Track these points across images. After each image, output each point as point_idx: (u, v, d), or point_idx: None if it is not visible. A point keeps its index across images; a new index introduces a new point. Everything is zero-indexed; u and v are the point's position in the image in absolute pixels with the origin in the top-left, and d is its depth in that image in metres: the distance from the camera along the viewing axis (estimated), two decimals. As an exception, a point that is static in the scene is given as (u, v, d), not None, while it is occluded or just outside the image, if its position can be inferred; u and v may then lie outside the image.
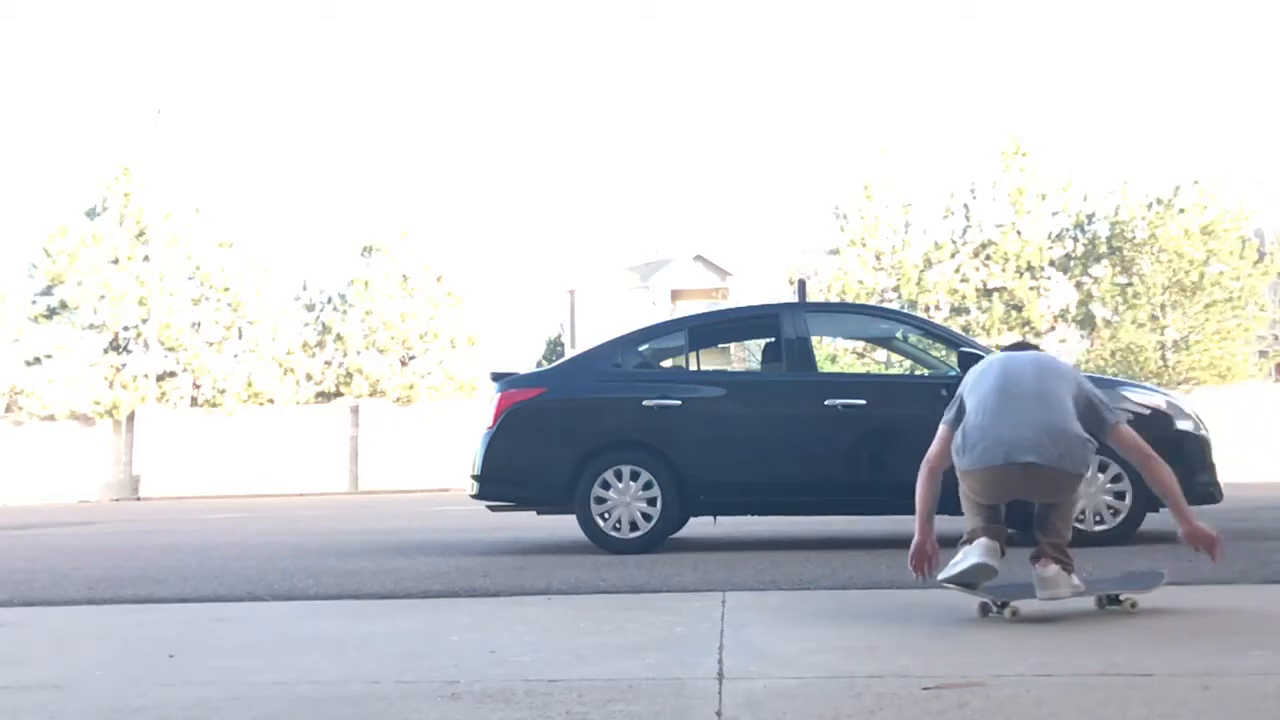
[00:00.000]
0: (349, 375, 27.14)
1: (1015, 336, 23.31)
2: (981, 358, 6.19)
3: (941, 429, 3.66)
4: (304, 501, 18.85)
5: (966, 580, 3.31)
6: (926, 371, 7.45)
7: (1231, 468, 8.30)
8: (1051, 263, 23.40)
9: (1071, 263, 23.33)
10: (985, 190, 23.70)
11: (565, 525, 7.39)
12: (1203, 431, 6.19)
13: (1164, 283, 22.44)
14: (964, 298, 23.57)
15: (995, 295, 23.38)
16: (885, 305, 21.76)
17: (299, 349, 27.22)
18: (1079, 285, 23.48)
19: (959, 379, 6.20)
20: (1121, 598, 3.42)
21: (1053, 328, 23.82)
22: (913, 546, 3.52)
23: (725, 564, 5.33)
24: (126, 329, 25.90)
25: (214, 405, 25.15)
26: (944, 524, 7.91)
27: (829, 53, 72.58)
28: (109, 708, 2.36)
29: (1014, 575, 3.71)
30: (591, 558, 5.88)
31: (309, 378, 26.95)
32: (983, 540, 3.35)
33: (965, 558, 3.34)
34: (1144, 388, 6.52)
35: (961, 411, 3.64)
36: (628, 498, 6.25)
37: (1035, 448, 3.37)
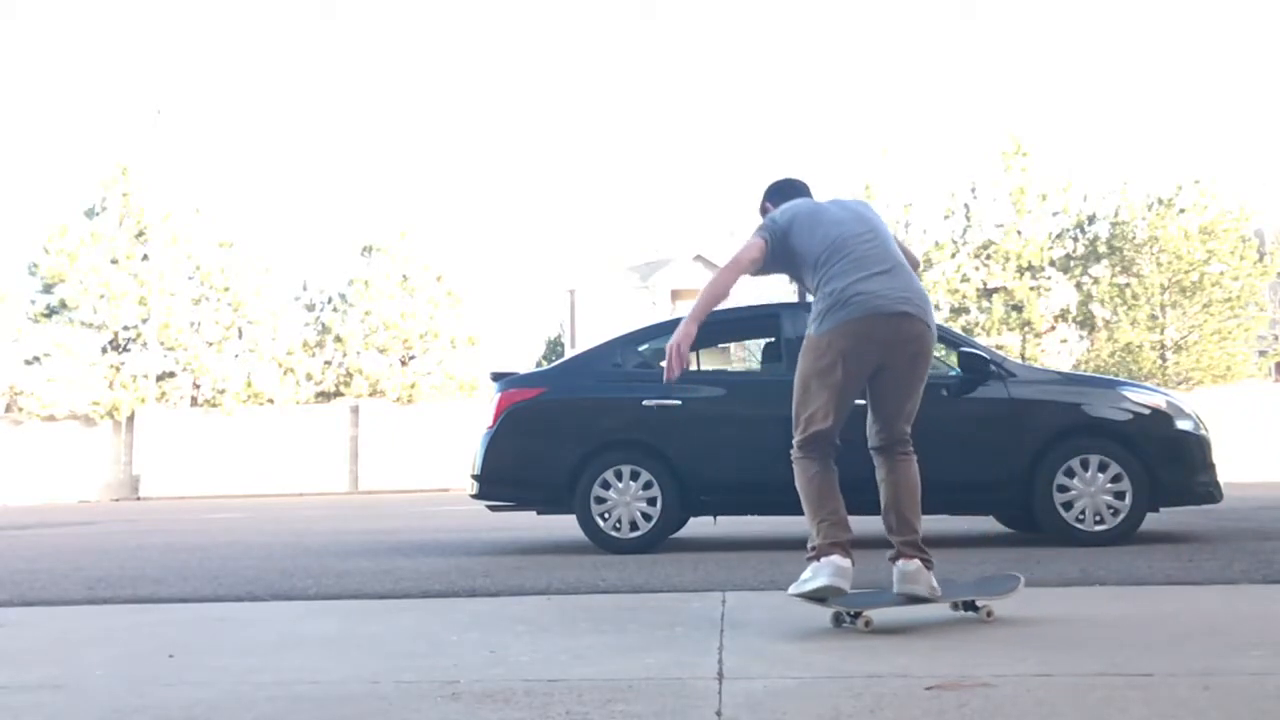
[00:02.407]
0: (349, 375, 27.15)
1: (1015, 337, 23.35)
2: (982, 358, 6.23)
3: (754, 240, 3.48)
4: (304, 501, 18.85)
5: (815, 598, 3.16)
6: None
7: (1231, 468, 8.31)
8: (1051, 263, 23.41)
9: (1071, 263, 23.33)
10: (985, 190, 23.71)
11: (565, 525, 7.39)
12: (1203, 431, 6.19)
13: (1164, 283, 22.45)
14: (964, 298, 23.57)
15: (995, 295, 23.38)
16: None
17: (299, 349, 27.22)
18: (1079, 285, 23.48)
19: (959, 379, 6.24)
20: (978, 604, 3.30)
21: (1053, 328, 23.82)
22: (674, 340, 3.39)
23: (725, 564, 5.33)
24: (126, 329, 25.89)
25: (214, 405, 25.14)
26: (944, 523, 7.93)
27: (829, 53, 72.61)
28: (109, 708, 2.36)
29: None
30: (591, 558, 5.88)
31: (309, 378, 26.95)
32: (834, 559, 3.15)
33: (815, 576, 3.12)
34: (1144, 388, 6.52)
35: (788, 245, 3.45)
36: (628, 498, 6.25)
37: (907, 299, 3.30)
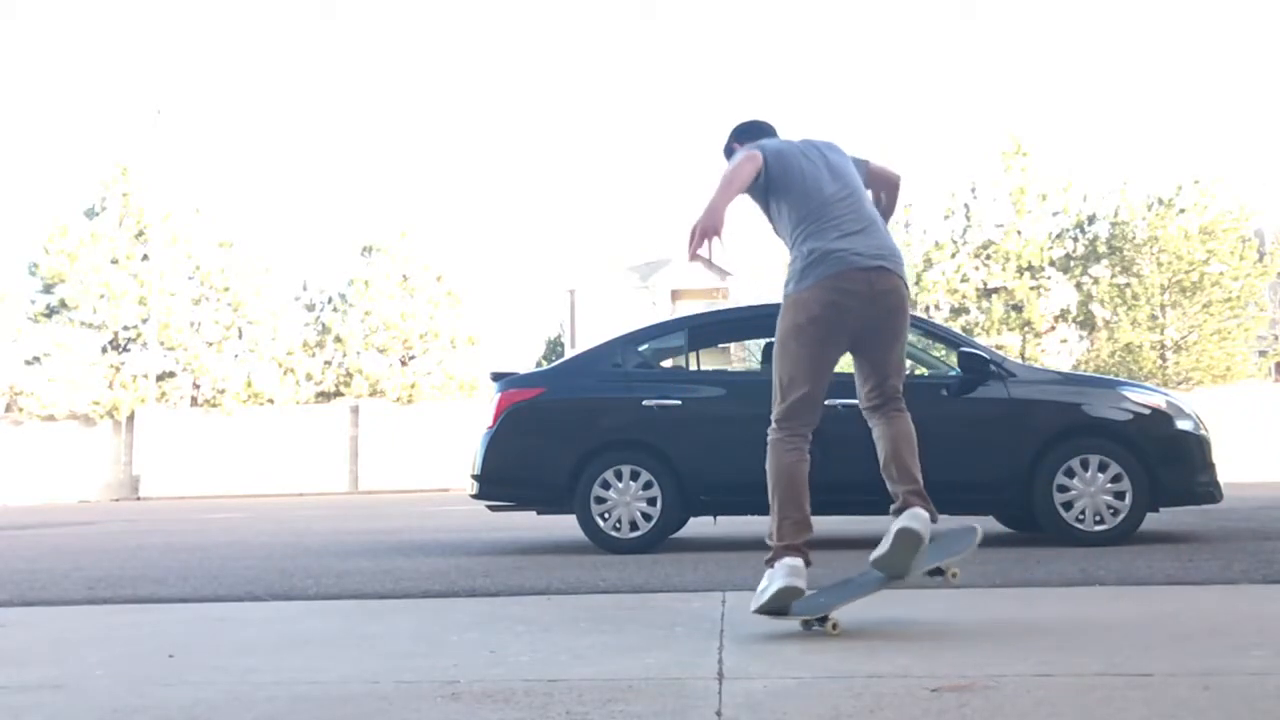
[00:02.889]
0: (349, 375, 27.15)
1: (1015, 337, 23.35)
2: (982, 358, 6.23)
3: (750, 152, 3.34)
4: (304, 501, 18.85)
5: (776, 608, 3.10)
6: (926, 371, 7.45)
7: (1231, 468, 8.32)
8: (1051, 263, 23.42)
9: (1071, 263, 23.34)
10: (986, 190, 23.74)
11: (565, 525, 7.39)
12: (1203, 431, 6.20)
13: (1164, 283, 22.46)
14: (964, 298, 23.58)
15: (995, 295, 23.39)
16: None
17: (299, 349, 27.23)
18: (1079, 285, 23.49)
19: (959, 379, 6.24)
20: (944, 568, 3.21)
21: (1053, 328, 23.83)
22: (704, 221, 3.15)
23: (725, 564, 5.33)
24: (126, 329, 25.91)
25: (214, 405, 25.15)
26: (944, 523, 7.93)
27: (829, 53, 72.59)
28: (109, 708, 2.36)
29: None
30: (591, 558, 5.88)
31: (309, 378, 26.96)
32: (786, 561, 3.11)
33: (771, 583, 3.09)
34: (1144, 388, 6.53)
35: (770, 178, 3.34)
36: (628, 498, 6.25)
37: (882, 255, 3.26)
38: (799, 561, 3.13)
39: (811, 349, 3.25)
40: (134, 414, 24.30)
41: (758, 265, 33.29)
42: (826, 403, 6.72)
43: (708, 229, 3.16)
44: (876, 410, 3.46)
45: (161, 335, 25.56)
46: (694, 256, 3.21)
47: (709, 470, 6.30)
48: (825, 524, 7.95)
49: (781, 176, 3.38)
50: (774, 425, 3.31)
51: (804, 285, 3.26)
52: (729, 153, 3.71)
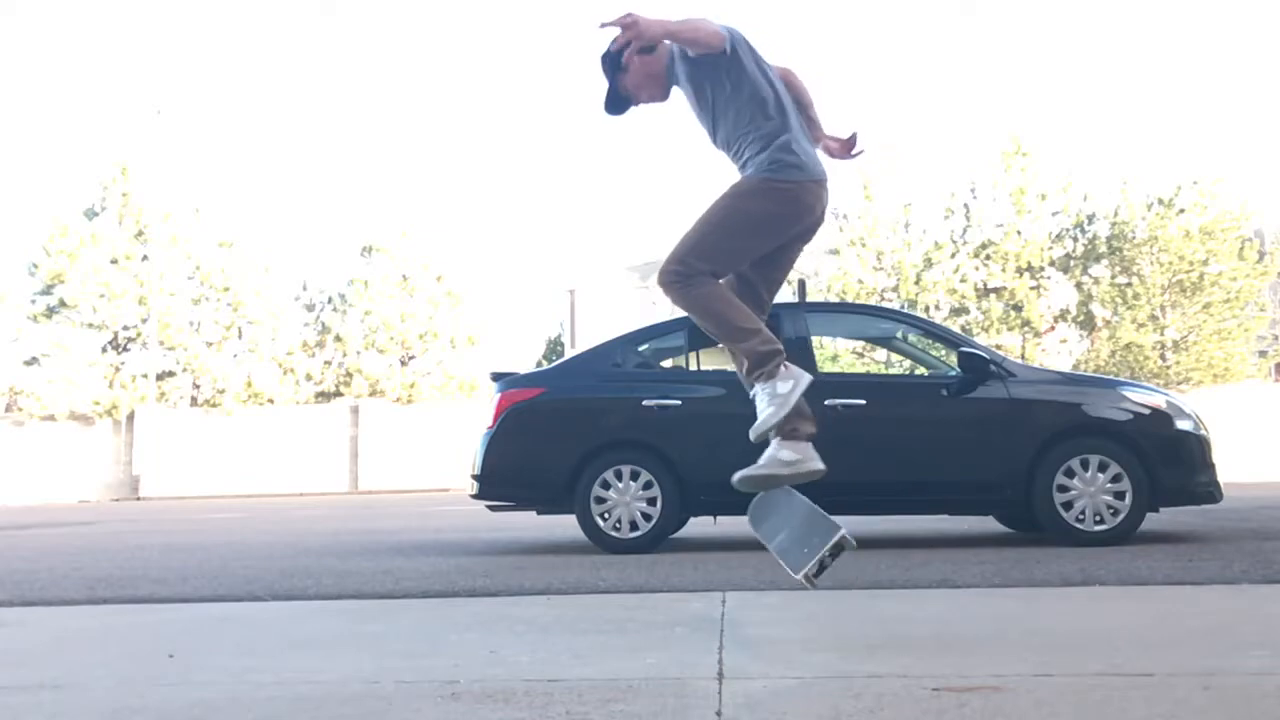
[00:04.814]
0: (349, 375, 27.16)
1: (1015, 337, 23.36)
2: (981, 358, 6.23)
3: (718, 30, 3.07)
4: (304, 501, 18.85)
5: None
6: (926, 371, 7.45)
7: (1231, 468, 8.32)
8: (1051, 263, 23.42)
9: (1071, 263, 23.34)
10: (985, 190, 23.73)
11: (565, 525, 7.39)
12: (1203, 431, 6.20)
13: (1163, 283, 22.46)
14: (963, 298, 23.57)
15: (995, 295, 23.39)
16: (885, 305, 21.77)
17: (299, 349, 27.25)
18: (1079, 285, 23.49)
19: (959, 379, 6.24)
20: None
21: (1052, 328, 23.84)
22: (637, 16, 2.91)
23: (725, 564, 5.33)
24: (126, 328, 25.92)
25: (214, 405, 25.16)
26: (945, 523, 7.90)
27: (829, 52, 72.57)
28: (109, 708, 2.36)
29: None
30: (591, 558, 5.88)
31: (309, 378, 26.97)
32: (787, 371, 3.04)
33: (778, 389, 3.00)
34: (1144, 388, 6.53)
35: (735, 56, 3.08)
36: (628, 498, 6.24)
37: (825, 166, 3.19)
38: (803, 375, 3.06)
39: (751, 247, 3.17)
40: (134, 414, 24.31)
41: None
42: (825, 403, 6.73)
43: (636, 26, 2.92)
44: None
45: (161, 335, 25.57)
46: (604, 26, 2.98)
47: (709, 470, 6.27)
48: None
49: (749, 60, 3.16)
50: (673, 273, 3.11)
51: (786, 177, 3.10)
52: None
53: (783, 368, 3.08)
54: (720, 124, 3.23)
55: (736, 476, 3.13)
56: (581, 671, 2.61)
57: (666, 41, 3.15)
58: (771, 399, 3.07)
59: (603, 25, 2.98)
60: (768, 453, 3.13)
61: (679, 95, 3.34)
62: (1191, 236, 22.12)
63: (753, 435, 3.11)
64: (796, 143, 3.15)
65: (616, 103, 3.30)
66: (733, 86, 3.15)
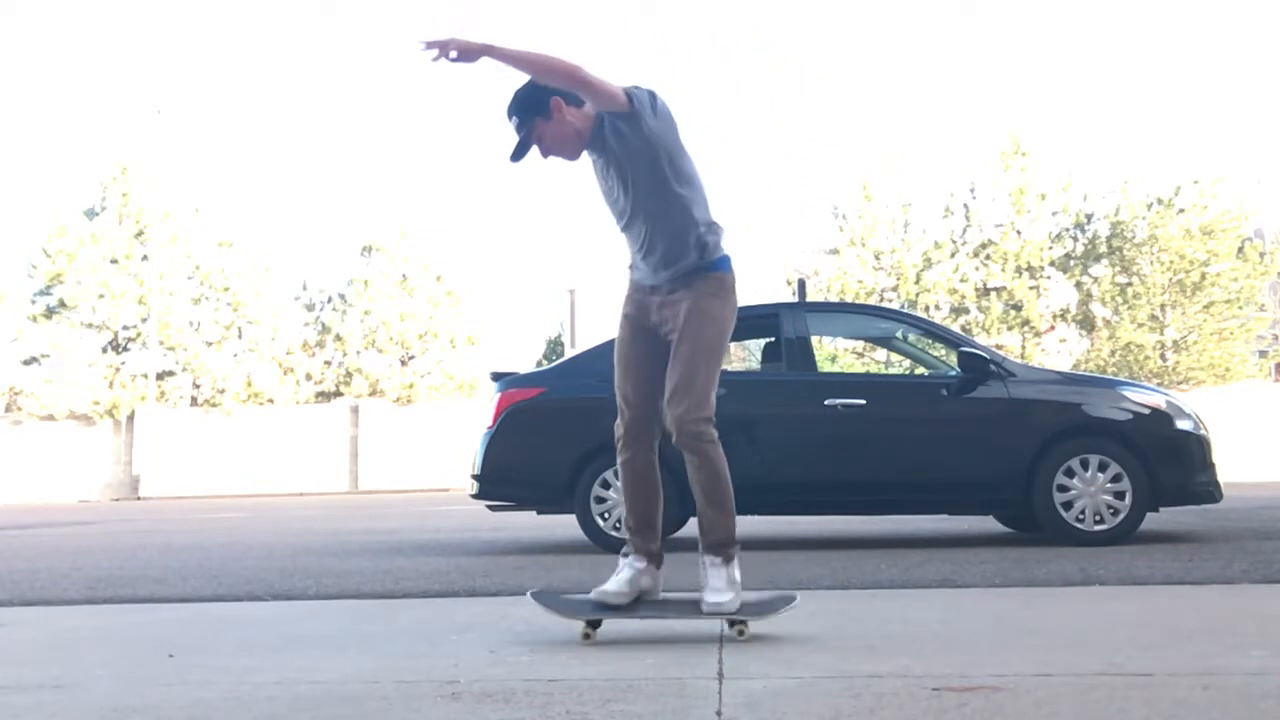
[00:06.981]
0: (349, 375, 27.16)
1: (1015, 337, 23.36)
2: (981, 358, 6.23)
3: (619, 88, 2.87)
4: (304, 501, 18.84)
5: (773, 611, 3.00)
6: (926, 371, 7.45)
7: (1231, 468, 8.31)
8: (1051, 262, 23.42)
9: (1071, 262, 23.34)
10: (985, 190, 23.73)
11: (565, 525, 7.39)
12: (1203, 431, 6.20)
13: (1164, 283, 22.46)
14: (963, 298, 23.57)
15: (995, 295, 23.39)
16: (885, 305, 21.77)
17: (299, 349, 27.25)
18: (1079, 285, 23.49)
19: (959, 379, 6.24)
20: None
21: (1052, 328, 23.83)
22: (461, 39, 2.68)
23: (725, 564, 5.32)
24: (126, 328, 25.91)
25: (214, 405, 25.16)
26: (945, 523, 7.90)
27: (828, 52, 72.54)
28: (109, 708, 2.35)
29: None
30: (591, 558, 5.88)
31: (309, 377, 26.97)
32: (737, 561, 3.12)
33: (736, 587, 3.08)
34: (1144, 388, 6.53)
35: (651, 125, 2.90)
36: (627, 497, 6.23)
37: None
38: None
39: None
40: (134, 414, 24.30)
41: (758, 265, 33.27)
42: (825, 403, 6.73)
43: (463, 45, 2.68)
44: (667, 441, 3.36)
45: (161, 335, 25.57)
46: (429, 47, 2.71)
47: (709, 470, 6.29)
48: (834, 524, 7.95)
49: (670, 130, 3.04)
50: (703, 423, 3.22)
51: (730, 270, 3.10)
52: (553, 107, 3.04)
53: (735, 562, 3.13)
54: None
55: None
56: (581, 671, 2.61)
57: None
58: (729, 584, 3.10)
59: (427, 47, 2.74)
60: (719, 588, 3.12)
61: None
62: (1191, 236, 22.12)
63: (704, 610, 3.09)
64: (719, 229, 3.18)
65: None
66: (632, 162, 3.10)
